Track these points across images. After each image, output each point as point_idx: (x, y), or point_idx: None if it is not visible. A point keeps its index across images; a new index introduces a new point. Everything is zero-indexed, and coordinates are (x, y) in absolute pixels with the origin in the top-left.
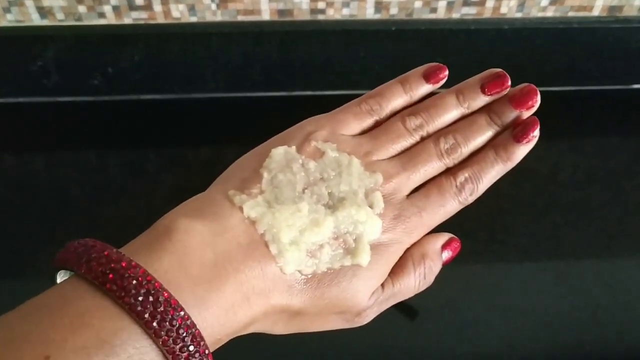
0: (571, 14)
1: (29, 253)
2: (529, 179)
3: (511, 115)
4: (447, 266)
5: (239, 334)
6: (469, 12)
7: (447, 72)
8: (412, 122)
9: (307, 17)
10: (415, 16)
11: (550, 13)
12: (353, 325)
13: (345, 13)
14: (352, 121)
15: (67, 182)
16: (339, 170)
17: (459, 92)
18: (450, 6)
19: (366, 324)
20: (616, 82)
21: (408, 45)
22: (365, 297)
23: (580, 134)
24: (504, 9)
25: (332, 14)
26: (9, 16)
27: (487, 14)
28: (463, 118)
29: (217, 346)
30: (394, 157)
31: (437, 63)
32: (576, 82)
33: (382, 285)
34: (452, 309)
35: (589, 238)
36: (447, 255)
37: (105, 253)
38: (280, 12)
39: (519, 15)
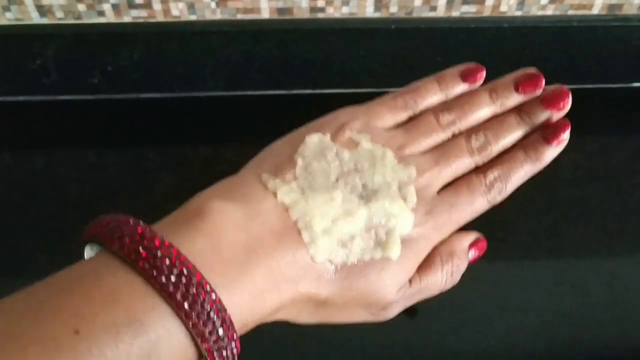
0: (571, 12)
1: (27, 252)
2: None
3: (542, 115)
4: None
5: (265, 321)
6: (469, 10)
7: (484, 73)
8: (445, 117)
9: (306, 15)
10: (415, 14)
11: (550, 11)
12: (378, 319)
13: (344, 11)
14: (387, 114)
15: (66, 181)
16: (372, 161)
17: (493, 90)
18: (449, 4)
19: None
20: (616, 81)
21: (408, 43)
22: (392, 291)
23: (580, 132)
24: (503, 7)
25: (332, 13)
26: (8, 14)
27: (487, 12)
28: (494, 117)
29: (244, 331)
30: (426, 152)
31: (476, 63)
32: (576, 80)
33: (410, 280)
34: (451, 307)
35: (589, 236)
36: (473, 254)
37: (139, 230)
38: (280, 11)
39: (518, 13)
